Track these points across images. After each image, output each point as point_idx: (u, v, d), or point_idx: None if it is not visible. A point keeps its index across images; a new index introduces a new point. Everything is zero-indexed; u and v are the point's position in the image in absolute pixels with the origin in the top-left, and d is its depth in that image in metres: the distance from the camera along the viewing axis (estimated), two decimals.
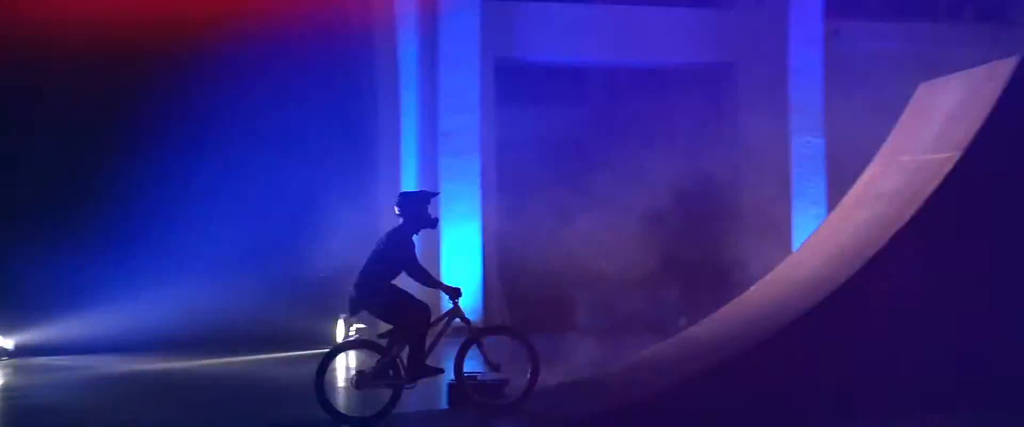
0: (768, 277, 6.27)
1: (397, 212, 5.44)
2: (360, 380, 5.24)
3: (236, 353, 9.00)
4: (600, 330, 10.00)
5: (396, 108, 10.79)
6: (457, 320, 5.36)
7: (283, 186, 9.87)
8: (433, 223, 5.53)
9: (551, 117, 12.38)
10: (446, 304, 5.45)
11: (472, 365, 5.43)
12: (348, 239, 10.15)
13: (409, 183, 10.62)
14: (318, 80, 10.18)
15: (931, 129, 5.89)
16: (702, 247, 10.98)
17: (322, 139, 10.16)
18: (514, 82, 11.77)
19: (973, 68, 5.98)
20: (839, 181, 9.63)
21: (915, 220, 5.39)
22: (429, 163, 10.65)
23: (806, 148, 11.04)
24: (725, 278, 10.17)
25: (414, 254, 5.35)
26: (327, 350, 5.43)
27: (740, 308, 6.11)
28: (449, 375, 5.45)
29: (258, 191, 9.86)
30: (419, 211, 5.44)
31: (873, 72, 11.05)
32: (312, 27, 10.29)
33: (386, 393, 5.27)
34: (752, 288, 6.16)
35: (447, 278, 10.42)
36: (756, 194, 11.05)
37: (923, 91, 6.45)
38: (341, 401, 5.80)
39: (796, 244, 10.26)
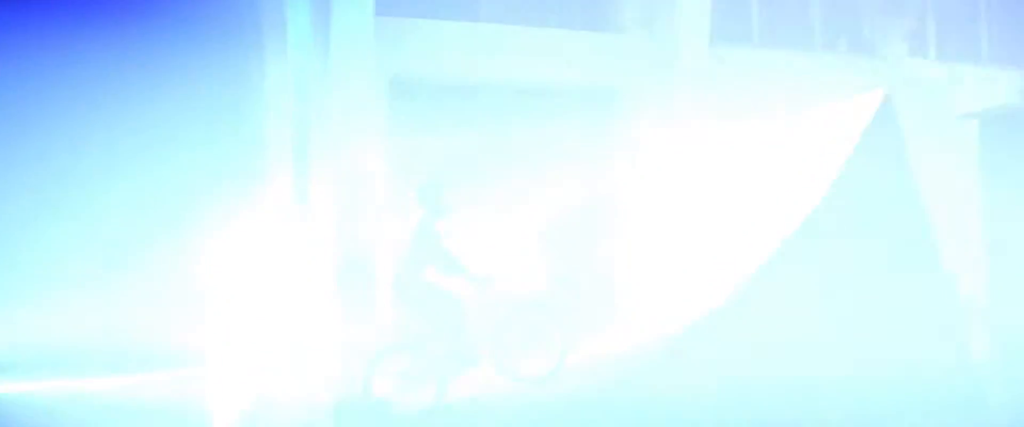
0: (649, 298, 6.40)
1: (416, 203, 5.59)
2: (404, 382, 5.37)
3: (99, 372, 8.51)
4: None
5: (285, 124, 10.54)
6: (488, 305, 5.54)
7: (159, 195, 9.52)
8: (449, 211, 5.70)
9: (444, 137, 12.36)
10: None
11: None
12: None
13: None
14: (206, 79, 9.85)
15: (802, 159, 6.15)
16: (594, 271, 11.15)
17: (207, 143, 9.83)
18: (408, 100, 11.68)
19: (843, 100, 6.30)
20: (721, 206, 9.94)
21: (786, 247, 5.60)
22: None
23: (691, 172, 11.33)
24: (619, 301, 10.34)
25: (440, 243, 5.24)
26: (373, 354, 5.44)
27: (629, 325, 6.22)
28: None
29: (131, 197, 9.48)
30: (435, 201, 5.56)
31: (756, 98, 11.49)
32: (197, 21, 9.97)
33: (431, 390, 5.36)
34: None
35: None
36: (643, 217, 11.28)
37: (795, 120, 6.75)
38: (388, 403, 5.62)
39: (681, 267, 10.50)
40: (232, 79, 10.60)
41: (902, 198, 5.65)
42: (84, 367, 8.41)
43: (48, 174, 9.16)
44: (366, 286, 10.25)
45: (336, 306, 10.09)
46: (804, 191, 5.66)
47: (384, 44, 10.49)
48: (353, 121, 10.31)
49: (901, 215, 5.65)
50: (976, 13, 13.24)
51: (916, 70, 12.74)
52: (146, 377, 8.39)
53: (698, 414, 5.00)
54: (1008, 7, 13.37)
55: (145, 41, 9.82)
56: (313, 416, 5.90)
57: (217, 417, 7.08)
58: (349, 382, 5.10)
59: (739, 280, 5.42)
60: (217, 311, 9.66)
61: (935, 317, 5.82)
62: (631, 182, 11.44)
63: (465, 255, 5.55)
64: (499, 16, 12.33)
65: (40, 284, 8.74)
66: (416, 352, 5.35)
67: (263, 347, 10.03)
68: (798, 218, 5.52)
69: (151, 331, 8.83)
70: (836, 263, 5.42)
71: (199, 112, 9.85)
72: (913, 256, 5.62)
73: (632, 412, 4.96)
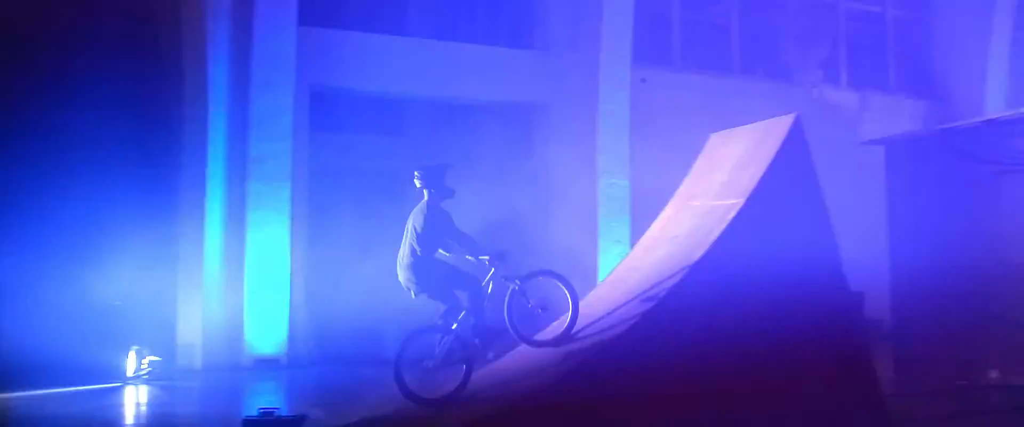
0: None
1: (419, 184, 5.58)
2: (434, 364, 5.38)
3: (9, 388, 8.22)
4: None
5: (203, 131, 10.31)
6: (503, 279, 5.58)
7: (71, 206, 9.20)
8: (452, 193, 5.67)
9: (368, 147, 12.30)
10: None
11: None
12: (143, 267, 9.60)
13: (214, 210, 10.17)
14: (115, 95, 9.59)
15: (720, 176, 6.30)
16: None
17: (117, 158, 9.54)
18: (331, 110, 11.60)
19: (758, 122, 6.47)
20: (641, 221, 10.12)
21: (703, 261, 5.72)
22: (237, 189, 10.24)
23: (612, 189, 11.51)
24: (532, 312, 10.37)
25: (452, 222, 5.51)
26: (401, 342, 5.46)
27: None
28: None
29: (42, 210, 9.15)
30: (441, 182, 5.58)
31: (675, 120, 11.75)
32: (112, 35, 9.71)
33: (460, 370, 5.40)
34: (555, 323, 6.33)
35: (250, 308, 10.07)
36: (564, 231, 11.40)
37: (714, 141, 6.90)
38: (419, 385, 5.64)
39: (601, 280, 10.63)
40: (150, 87, 10.35)
41: (810, 218, 5.86)
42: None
43: None
44: (278, 288, 10.10)
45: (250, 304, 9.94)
46: (719, 209, 5.81)
47: (307, 54, 10.40)
48: (272, 128, 10.16)
49: (809, 235, 5.85)
50: (884, 45, 13.83)
51: (830, 96, 13.22)
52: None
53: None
54: (912, 41, 14.01)
55: (62, 50, 9.55)
56: None
57: None
58: None
59: (651, 292, 5.53)
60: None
61: (840, 336, 5.99)
62: (552, 196, 11.54)
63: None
64: (426, 31, 12.38)
65: None
66: (443, 332, 5.54)
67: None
68: (713, 235, 5.66)
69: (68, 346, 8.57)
70: (745, 281, 5.56)
71: (115, 120, 9.58)
72: (819, 277, 5.81)
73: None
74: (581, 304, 5.96)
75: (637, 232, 10.81)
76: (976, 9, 13.28)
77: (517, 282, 5.70)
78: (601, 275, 10.90)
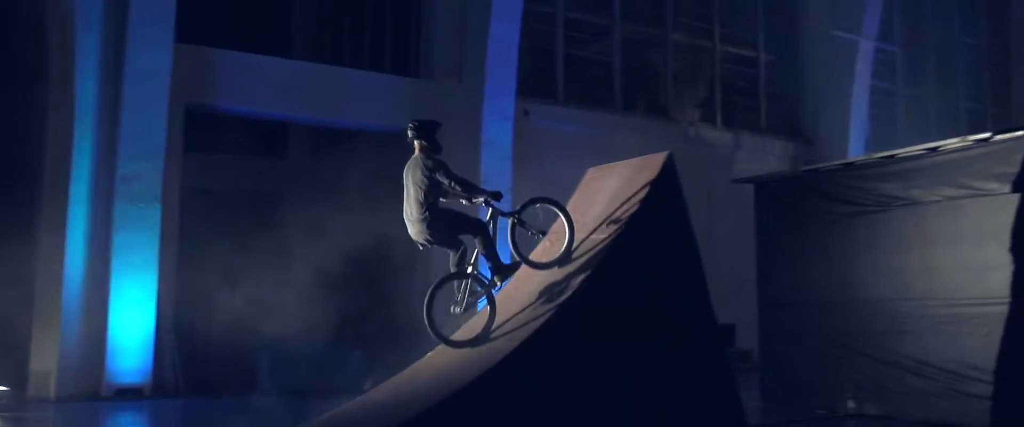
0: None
1: (412, 135, 5.86)
2: (461, 309, 5.85)
3: None
4: (283, 392, 9.67)
5: (68, 146, 9.81)
6: (501, 219, 6.04)
7: None
8: (440, 149, 6.01)
9: (246, 169, 12.01)
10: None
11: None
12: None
13: (77, 230, 9.66)
14: None
15: (595, 210, 6.42)
16: (389, 309, 11.09)
17: None
18: (207, 130, 11.28)
19: (634, 158, 6.65)
20: (522, 251, 10.20)
21: (576, 294, 5.80)
22: (102, 210, 9.77)
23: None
24: (411, 341, 10.29)
25: (452, 169, 5.84)
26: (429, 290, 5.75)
27: (417, 372, 6.19)
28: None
29: None
30: (433, 136, 5.90)
31: (557, 152, 11.97)
32: None
33: (486, 311, 5.82)
34: (429, 353, 6.29)
35: (114, 334, 9.60)
36: (443, 260, 11.34)
37: (591, 175, 7.04)
38: (450, 330, 6.08)
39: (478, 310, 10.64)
40: (8, 96, 9.81)
41: (681, 253, 6.05)
42: None
43: None
44: (143, 313, 9.68)
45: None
46: (593, 242, 5.93)
47: (184, 71, 10.08)
48: (143, 147, 9.76)
49: (679, 269, 6.03)
50: (757, 88, 14.49)
51: (706, 134, 13.73)
52: None
53: None
54: (783, 86, 14.74)
55: None
56: None
57: None
58: None
59: (524, 325, 5.57)
60: None
61: (708, 368, 6.17)
62: None
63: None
64: (311, 54, 12.24)
65: None
66: (461, 277, 5.89)
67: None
68: (586, 268, 5.77)
69: None
70: (617, 314, 5.67)
71: None
72: (688, 309, 5.98)
73: None
74: (455, 336, 6.00)
75: None
76: (840, 59, 14.10)
77: (516, 216, 6.15)
78: (480, 306, 10.90)
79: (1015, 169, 7.56)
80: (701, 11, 13.87)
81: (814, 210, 9.28)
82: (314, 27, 13.07)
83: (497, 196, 6.00)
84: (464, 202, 6.10)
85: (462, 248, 6.01)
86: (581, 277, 5.77)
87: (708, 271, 6.52)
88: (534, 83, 12.47)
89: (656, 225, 5.91)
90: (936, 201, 8.23)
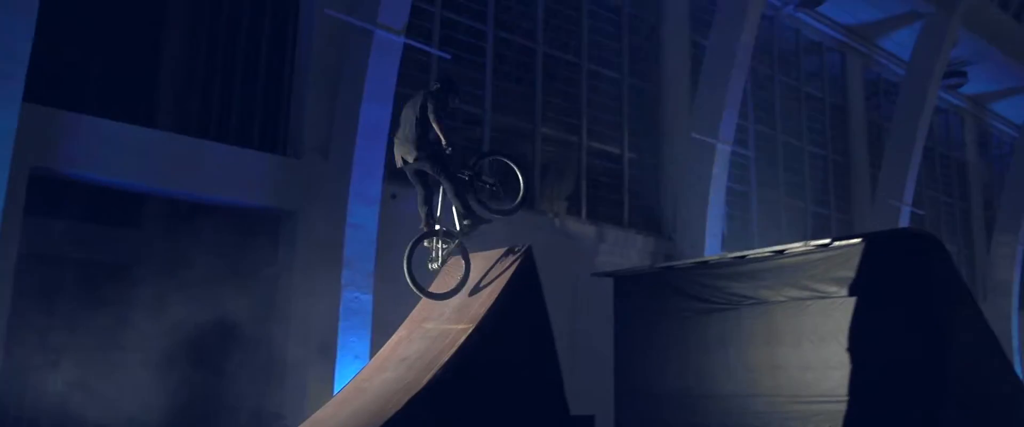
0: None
1: (438, 86, 7.31)
2: (438, 264, 6.73)
3: None
4: None
5: None
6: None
7: None
8: (448, 104, 7.42)
9: (93, 237, 11.40)
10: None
11: None
12: None
13: None
14: None
15: (454, 300, 6.38)
16: (245, 393, 10.60)
17: None
18: (55, 196, 10.65)
19: (495, 249, 6.69)
20: (383, 338, 10.00)
21: (430, 385, 5.70)
22: None
23: (355, 303, 11.32)
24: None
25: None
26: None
27: None
28: None
29: None
30: (453, 92, 7.39)
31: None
32: None
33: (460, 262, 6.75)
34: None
35: None
36: (304, 344, 11.00)
37: (453, 264, 7.02)
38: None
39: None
40: None
41: (537, 345, 6.06)
42: None
43: None
44: None
45: None
46: (451, 333, 5.86)
47: (31, 132, 9.51)
48: None
49: (535, 360, 6.03)
50: (621, 183, 14.96)
51: (571, 227, 13.99)
52: None
53: None
54: (645, 183, 15.27)
55: None
56: None
57: None
58: None
59: (378, 417, 5.40)
60: None
61: None
62: (292, 305, 11.16)
63: None
64: (173, 124, 11.85)
65: None
66: (430, 234, 6.98)
67: None
68: (442, 358, 5.68)
69: None
70: (473, 405, 5.60)
71: None
72: (542, 401, 5.97)
73: None
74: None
75: (378, 349, 10.66)
76: (699, 161, 14.76)
77: (469, 171, 7.23)
78: (336, 391, 10.57)
79: (852, 274, 8.01)
80: (569, 107, 14.31)
81: (670, 306, 9.56)
82: (180, 98, 12.72)
83: (454, 145, 7.17)
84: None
85: (430, 199, 7.25)
86: (438, 367, 5.69)
87: (571, 361, 6.57)
88: None
89: (513, 316, 5.91)
90: (782, 301, 8.61)
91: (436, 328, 6.16)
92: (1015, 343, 22.77)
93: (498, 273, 6.12)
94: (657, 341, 9.52)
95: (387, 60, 11.30)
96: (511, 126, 13.59)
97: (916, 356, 7.55)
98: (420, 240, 7.25)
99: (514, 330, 5.93)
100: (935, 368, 7.52)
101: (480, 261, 6.55)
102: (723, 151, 14.82)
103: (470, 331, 5.78)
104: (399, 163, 7.30)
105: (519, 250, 6.13)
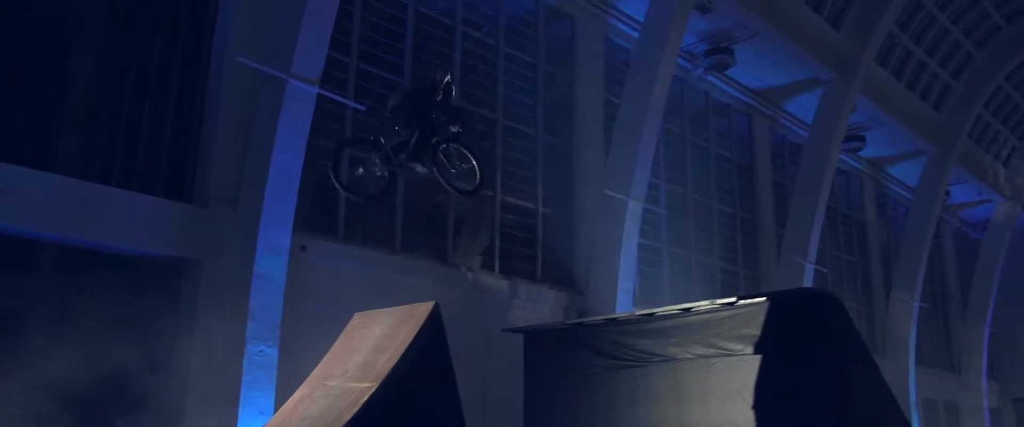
0: None
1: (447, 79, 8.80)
2: (365, 171, 8.08)
3: None
4: None
5: None
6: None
7: None
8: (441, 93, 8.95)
9: None
10: None
11: None
12: None
13: None
14: None
15: (358, 358, 6.25)
16: None
17: None
18: None
19: (401, 306, 6.57)
20: (288, 394, 9.70)
21: None
22: None
23: (260, 357, 10.98)
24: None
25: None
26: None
27: None
28: None
29: None
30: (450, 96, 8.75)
31: (334, 291, 11.66)
32: None
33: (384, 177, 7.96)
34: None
35: None
36: (204, 400, 10.59)
37: (356, 321, 6.90)
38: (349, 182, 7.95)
39: None
40: None
41: (443, 404, 5.96)
42: None
43: None
44: None
45: None
46: (354, 391, 5.71)
47: None
48: None
49: (440, 420, 5.92)
50: (534, 238, 15.02)
51: (485, 281, 13.93)
52: None
53: None
54: (558, 238, 15.37)
55: None
56: None
57: None
58: None
59: None
60: None
61: None
62: (192, 358, 10.75)
63: None
64: (73, 169, 11.40)
65: None
66: (376, 147, 7.99)
67: None
68: (343, 418, 5.52)
69: None
70: None
71: None
72: None
73: None
74: None
75: (282, 404, 10.32)
76: (611, 217, 14.96)
77: (446, 143, 8.49)
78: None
79: (757, 332, 8.16)
80: (484, 161, 14.34)
81: (580, 362, 9.56)
82: (83, 141, 12.27)
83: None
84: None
85: (414, 132, 8.23)
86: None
87: (483, 419, 6.47)
88: (314, 218, 12.24)
89: (418, 375, 5.80)
90: (690, 358, 8.71)
91: (339, 386, 5.99)
92: (913, 397, 23.55)
93: (405, 331, 6.01)
94: (567, 398, 9.49)
95: (300, 110, 11.16)
96: (426, 178, 13.54)
97: (818, 413, 7.69)
98: (360, 141, 8.35)
99: (419, 389, 5.82)
100: (836, 425, 7.68)
101: (386, 317, 6.42)
102: (635, 208, 15.06)
103: (374, 389, 5.64)
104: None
105: (426, 307, 6.04)
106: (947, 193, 26.34)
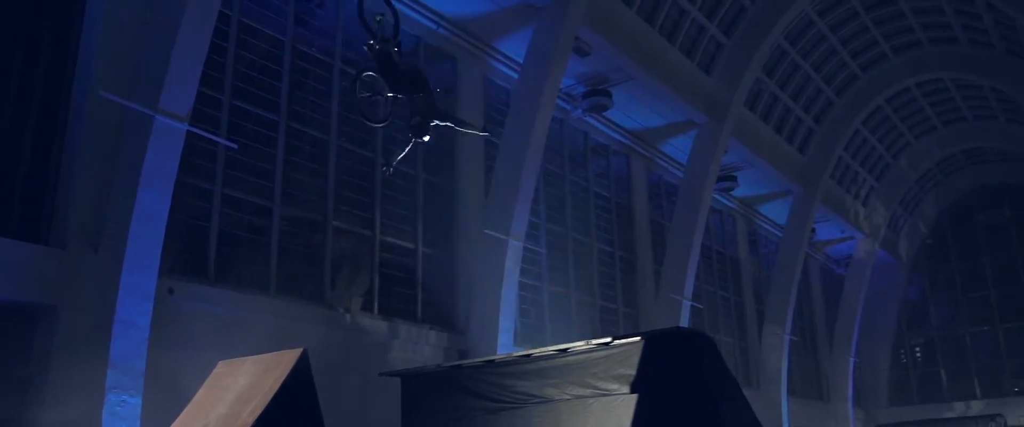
0: None
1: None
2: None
3: None
4: None
5: None
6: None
7: None
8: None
9: None
10: None
11: None
12: None
13: None
14: None
15: (220, 409, 5.97)
16: None
17: None
18: None
19: (266, 354, 6.33)
20: None
21: None
22: None
23: (121, 407, 10.37)
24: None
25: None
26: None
27: None
28: None
29: None
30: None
31: (205, 336, 11.17)
32: None
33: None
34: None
35: None
36: None
37: (220, 370, 6.61)
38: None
39: None
40: None
41: None
42: None
43: None
44: None
45: None
46: None
47: None
48: None
49: None
50: (414, 278, 14.86)
51: (364, 323, 13.66)
52: None
53: None
54: (439, 277, 15.26)
55: None
56: None
57: None
58: None
59: None
60: None
61: None
62: (46, 409, 10.06)
63: None
64: None
65: None
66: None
67: None
68: None
69: None
70: None
71: None
72: None
73: None
74: None
75: None
76: (492, 256, 14.96)
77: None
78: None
79: (632, 371, 8.25)
80: (362, 200, 14.17)
81: (458, 405, 9.45)
82: None
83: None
84: None
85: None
86: None
87: None
88: (183, 260, 11.74)
89: (285, 424, 5.58)
90: (567, 399, 8.72)
91: None
92: (786, 426, 24.40)
93: (271, 379, 5.77)
94: None
95: (168, 147, 10.72)
96: (302, 218, 13.25)
97: None
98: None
99: None
100: None
101: (251, 366, 6.16)
102: (515, 247, 15.12)
103: None
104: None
105: (293, 355, 5.81)
106: (813, 231, 27.65)
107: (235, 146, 12.16)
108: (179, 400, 9.26)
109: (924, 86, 28.37)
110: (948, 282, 34.95)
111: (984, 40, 25.26)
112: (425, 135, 9.94)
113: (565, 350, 8.83)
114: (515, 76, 16.76)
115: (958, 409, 31.19)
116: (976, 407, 31.01)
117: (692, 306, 20.74)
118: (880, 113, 28.79)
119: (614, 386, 8.31)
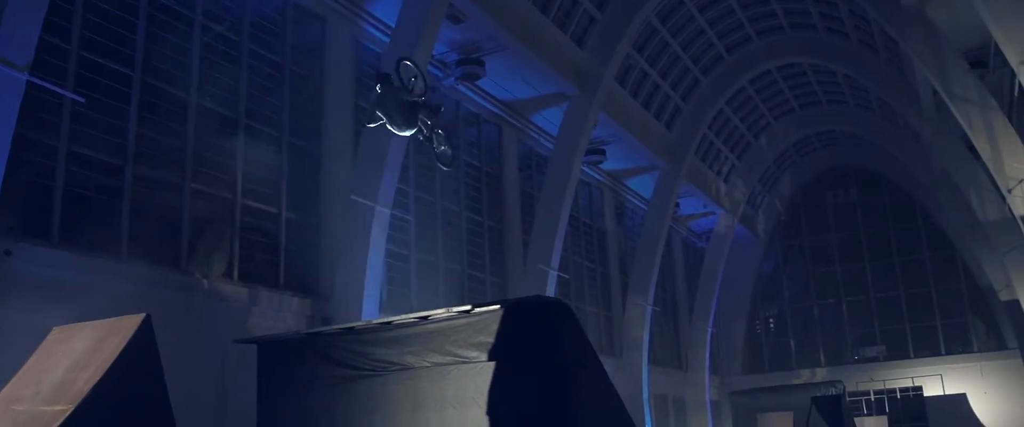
0: None
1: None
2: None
3: None
4: None
5: None
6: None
7: None
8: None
9: None
10: None
11: None
12: None
13: None
14: None
15: (54, 377, 5.64)
16: None
17: None
18: None
19: (107, 319, 6.02)
20: None
21: None
22: None
23: None
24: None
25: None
26: None
27: None
28: None
29: None
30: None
31: (48, 302, 10.53)
32: None
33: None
34: None
35: None
36: None
37: (55, 336, 6.24)
38: None
39: None
40: None
41: (153, 424, 5.49)
42: None
43: None
44: None
45: None
46: (46, 415, 5.11)
47: None
48: None
49: None
50: (277, 242, 14.47)
51: (223, 289, 13.21)
52: None
53: None
54: (302, 242, 14.92)
55: None
56: None
57: None
58: None
59: None
60: None
61: None
62: None
63: None
64: None
65: None
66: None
67: None
68: None
69: None
70: None
71: None
72: None
73: None
74: None
75: None
76: (358, 223, 14.74)
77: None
78: None
79: (491, 339, 8.32)
80: (224, 162, 13.64)
81: (317, 373, 9.30)
82: None
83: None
84: None
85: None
86: None
87: None
88: (23, 219, 11.01)
89: (124, 396, 5.30)
90: (427, 367, 8.72)
91: (29, 410, 5.34)
92: (645, 394, 25.28)
93: (110, 346, 5.47)
94: (302, 410, 9.18)
95: (6, 99, 10.00)
96: (157, 179, 12.64)
97: (546, 417, 7.96)
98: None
99: (124, 410, 5.32)
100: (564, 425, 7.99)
101: (90, 332, 5.83)
102: (382, 214, 14.94)
103: (70, 412, 5.08)
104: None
105: (136, 320, 5.52)
106: (677, 205, 28.60)
107: (82, 100, 11.45)
108: (14, 370, 8.73)
109: (784, 69, 29.72)
110: (799, 257, 36.96)
111: (840, 29, 26.62)
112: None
113: (426, 318, 8.80)
114: (387, 40, 16.47)
115: (805, 376, 33.12)
116: (820, 374, 33.02)
117: (559, 276, 21.10)
118: (743, 94, 29.98)
119: (473, 354, 8.35)
